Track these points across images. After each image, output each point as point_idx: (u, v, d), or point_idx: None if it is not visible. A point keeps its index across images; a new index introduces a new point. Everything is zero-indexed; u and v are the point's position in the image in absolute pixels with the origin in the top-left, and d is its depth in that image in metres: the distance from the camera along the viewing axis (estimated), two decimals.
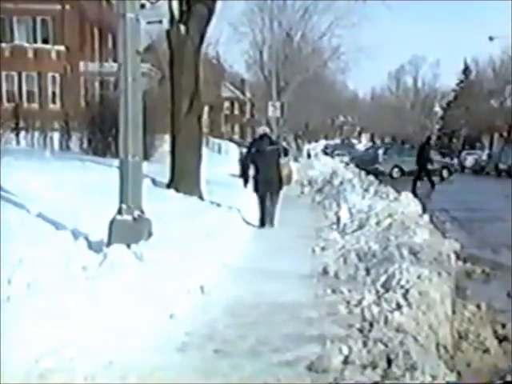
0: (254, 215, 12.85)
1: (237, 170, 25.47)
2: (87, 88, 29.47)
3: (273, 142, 12.23)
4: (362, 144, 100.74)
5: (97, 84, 28.90)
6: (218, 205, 12.18)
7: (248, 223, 11.54)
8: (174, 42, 13.78)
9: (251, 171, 11.82)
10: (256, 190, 11.63)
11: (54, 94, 35.20)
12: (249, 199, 14.45)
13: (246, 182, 11.84)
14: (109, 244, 6.82)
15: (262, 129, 12.55)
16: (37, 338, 4.53)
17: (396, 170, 34.82)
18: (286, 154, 12.68)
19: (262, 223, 11.56)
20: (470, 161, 42.84)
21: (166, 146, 16.90)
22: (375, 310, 5.93)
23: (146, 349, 4.95)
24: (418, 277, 6.72)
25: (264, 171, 11.45)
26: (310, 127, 70.96)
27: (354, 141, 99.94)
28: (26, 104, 30.70)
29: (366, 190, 14.35)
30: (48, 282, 5.37)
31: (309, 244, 9.43)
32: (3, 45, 34.11)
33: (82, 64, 34.68)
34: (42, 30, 35.54)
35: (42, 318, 4.73)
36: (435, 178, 26.60)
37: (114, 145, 18.93)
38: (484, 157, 41.12)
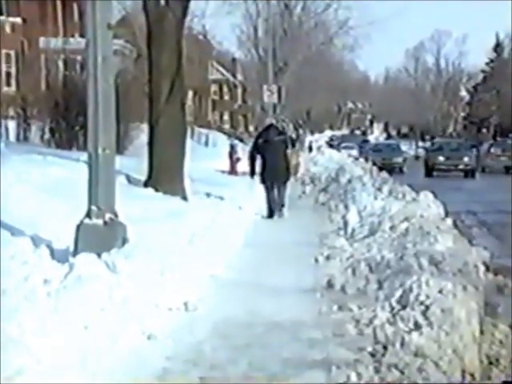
0: (249, 218, 12.90)
1: (226, 165, 25.65)
2: (49, 68, 29.36)
3: (280, 133, 14.46)
4: (374, 135, 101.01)
5: (60, 63, 28.83)
6: (205, 206, 12.19)
7: (240, 227, 11.56)
8: (152, 15, 13.78)
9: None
10: (263, 180, 13.72)
11: (8, 74, 35.06)
12: (242, 199, 14.50)
13: (252, 173, 13.91)
14: (75, 253, 6.82)
15: (269, 119, 14.80)
16: None
17: None
18: (293, 145, 14.90)
19: (270, 214, 13.46)
20: None
21: (144, 138, 16.90)
22: (389, 330, 5.95)
23: (119, 376, 4.96)
24: (440, 291, 6.75)
25: (271, 161, 13.47)
26: (312, 115, 71.02)
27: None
28: None
29: (379, 189, 14.40)
30: (3, 298, 5.37)
31: (311, 252, 9.46)
32: None
33: (42, 39, 34.59)
34: None
35: None
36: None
37: (82, 136, 18.91)
38: None
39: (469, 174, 35.50)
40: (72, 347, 5.05)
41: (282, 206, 13.66)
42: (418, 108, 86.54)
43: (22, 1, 35.07)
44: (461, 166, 36.05)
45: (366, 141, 78.33)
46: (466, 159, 36.23)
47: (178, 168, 13.70)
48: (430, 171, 36.06)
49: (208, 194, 14.20)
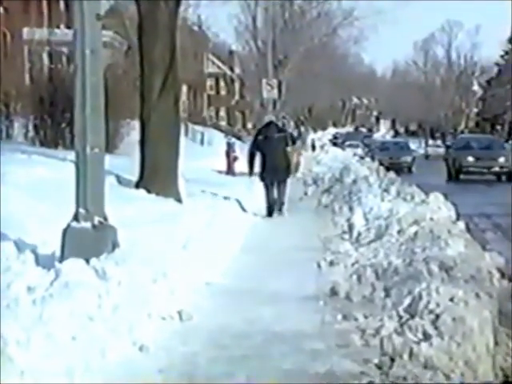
0: (247, 220, 12.92)
1: (223, 164, 25.66)
2: (33, 61, 29.40)
3: (280, 130, 15.48)
4: (381, 133, 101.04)
5: (45, 56, 28.89)
6: (200, 209, 12.20)
7: (238, 230, 11.58)
8: (144, 4, 13.79)
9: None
10: (262, 178, 14.45)
11: None
12: (240, 200, 14.51)
13: (251, 171, 14.68)
14: (62, 258, 6.82)
15: (269, 117, 17.36)
16: None
17: None
18: (293, 142, 15.49)
19: (269, 213, 14.19)
20: None
21: (135, 135, 16.92)
22: (397, 340, 5.96)
23: None
24: (451, 299, 6.76)
25: (271, 159, 14.23)
26: (314, 112, 71.24)
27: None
28: None
29: (386, 191, 14.41)
30: None
31: (313, 257, 9.47)
32: None
33: (25, 30, 34.61)
34: None
35: None
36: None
37: (69, 133, 18.91)
38: None
39: (503, 177, 30.53)
40: (58, 359, 5.05)
41: (282, 204, 14.37)
42: (428, 104, 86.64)
43: None
44: (496, 169, 30.85)
45: (368, 136, 78.22)
46: (501, 160, 30.97)
47: (171, 168, 13.70)
48: (455, 174, 30.92)
49: (204, 196, 14.21)
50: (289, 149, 14.69)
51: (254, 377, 5.27)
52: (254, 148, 14.67)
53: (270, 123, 15.38)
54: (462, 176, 30.98)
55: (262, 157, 14.50)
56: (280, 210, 14.32)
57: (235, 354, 5.74)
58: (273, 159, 14.26)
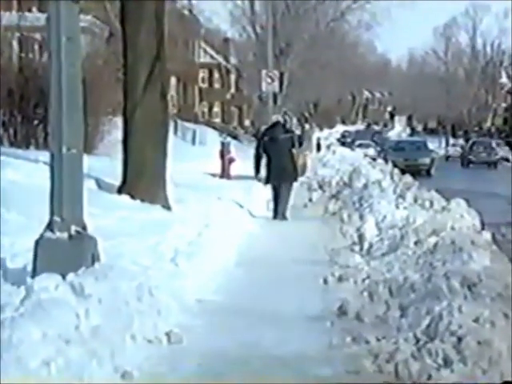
0: (243, 230, 12.92)
1: (217, 166, 25.67)
2: (1, 49, 29.43)
3: (287, 130, 16.59)
4: (396, 131, 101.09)
5: (15, 43, 28.91)
6: (191, 217, 12.23)
7: (232, 242, 11.60)
8: None
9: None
10: (268, 180, 15.61)
11: None
12: (235, 207, 14.50)
13: (257, 173, 15.85)
14: (34, 273, 6.82)
15: (276, 116, 18.24)
16: None
17: None
18: (300, 144, 16.80)
19: (275, 215, 15.25)
20: None
21: (117, 134, 16.93)
22: (415, 366, 5.96)
23: None
24: (476, 320, 6.76)
25: (277, 161, 15.28)
26: (320, 107, 71.22)
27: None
28: None
29: (401, 196, 14.42)
30: None
31: (319, 272, 9.47)
32: None
33: None
34: None
35: None
36: None
37: (42, 132, 18.93)
38: None
39: None
40: None
41: (285, 209, 15.30)
42: (449, 98, 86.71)
43: None
44: None
45: (379, 133, 78.28)
46: None
47: (158, 171, 13.70)
48: None
49: (195, 202, 14.21)
50: (294, 151, 15.63)
51: None
52: (261, 150, 15.69)
53: (276, 123, 16.34)
54: None
55: (267, 159, 15.51)
56: (283, 214, 15.22)
57: (231, 382, 5.73)
58: (279, 162, 15.26)
